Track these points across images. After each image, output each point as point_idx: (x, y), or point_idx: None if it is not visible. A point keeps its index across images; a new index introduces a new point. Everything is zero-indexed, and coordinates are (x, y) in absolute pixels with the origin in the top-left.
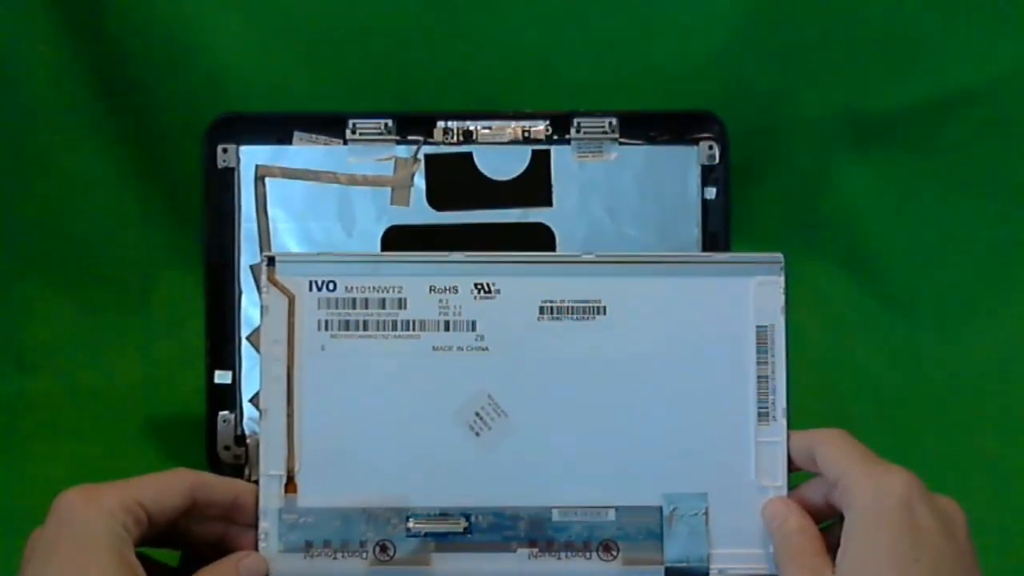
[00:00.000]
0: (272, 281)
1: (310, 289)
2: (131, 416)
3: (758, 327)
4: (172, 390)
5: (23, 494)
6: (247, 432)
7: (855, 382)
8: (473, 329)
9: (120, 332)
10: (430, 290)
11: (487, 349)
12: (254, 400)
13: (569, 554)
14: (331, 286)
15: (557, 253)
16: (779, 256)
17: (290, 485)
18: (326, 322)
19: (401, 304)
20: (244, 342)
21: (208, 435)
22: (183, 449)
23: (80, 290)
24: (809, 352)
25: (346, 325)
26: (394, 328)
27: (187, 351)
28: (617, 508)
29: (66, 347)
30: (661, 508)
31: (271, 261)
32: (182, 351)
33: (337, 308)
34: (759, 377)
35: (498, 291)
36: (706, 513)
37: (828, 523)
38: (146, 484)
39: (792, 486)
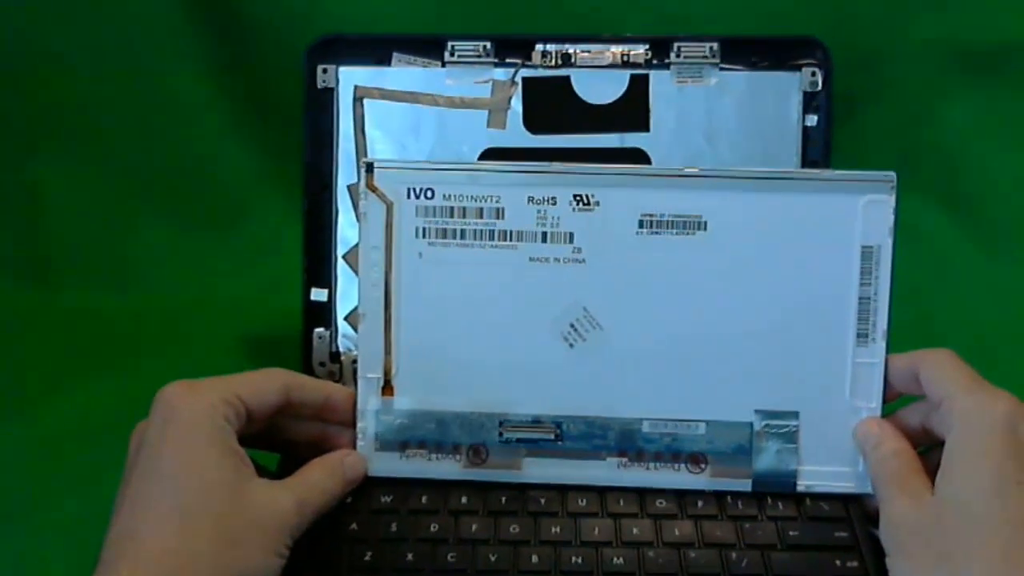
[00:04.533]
0: (371, 187)
1: (408, 197)
2: (230, 332)
3: (863, 247)
4: (270, 307)
5: (126, 407)
6: (342, 349)
7: (953, 316)
8: (571, 241)
9: (220, 250)
10: (528, 200)
11: (584, 261)
12: (349, 318)
13: (657, 464)
14: (429, 194)
15: (658, 167)
16: (891, 175)
17: (387, 388)
18: (424, 230)
19: (499, 214)
20: (340, 261)
21: (304, 351)
22: (280, 364)
23: (181, 210)
24: (906, 285)
25: (443, 233)
26: (491, 238)
27: (285, 269)
28: (708, 422)
29: (168, 265)
30: (752, 424)
31: (370, 167)
32: (280, 269)
33: (435, 216)
34: (861, 298)
35: (597, 203)
36: (797, 431)
37: (924, 448)
38: (243, 381)
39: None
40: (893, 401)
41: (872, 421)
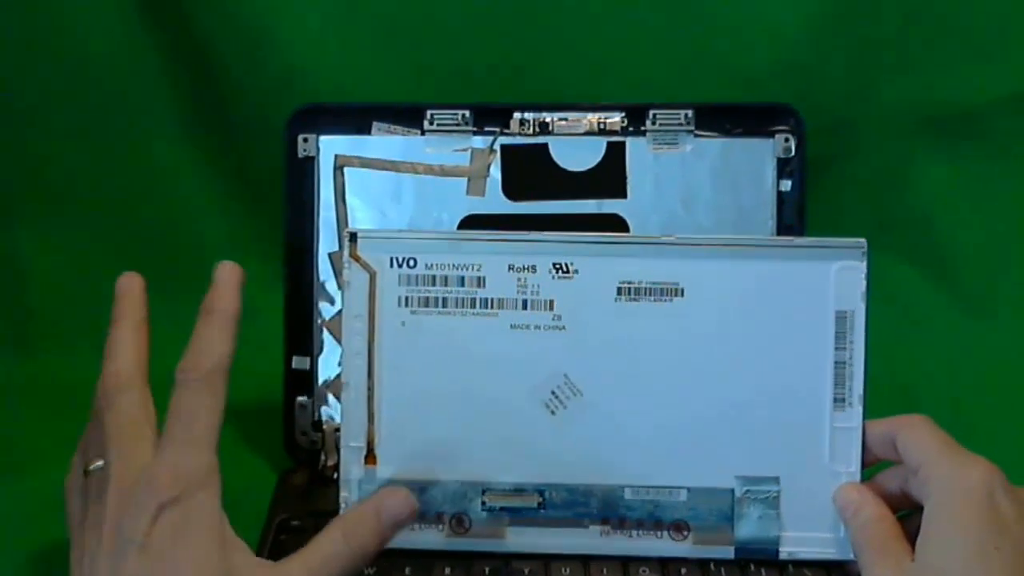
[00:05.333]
0: (354, 257)
1: (391, 265)
2: None
3: (837, 312)
4: (250, 376)
5: None
6: (324, 418)
7: (929, 379)
8: (551, 308)
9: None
10: (509, 268)
11: (564, 328)
12: (331, 386)
13: (640, 532)
14: (412, 263)
15: (635, 235)
16: (862, 241)
17: (370, 457)
18: (406, 298)
19: (480, 282)
20: (322, 328)
21: (286, 420)
22: (261, 434)
23: (161, 277)
24: (882, 347)
25: (426, 302)
26: (473, 305)
27: (266, 337)
28: (689, 489)
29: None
30: (733, 490)
31: (353, 237)
32: (261, 337)
33: (417, 285)
34: (837, 362)
35: (576, 271)
36: (778, 496)
37: (903, 512)
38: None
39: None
40: (872, 466)
41: (852, 487)
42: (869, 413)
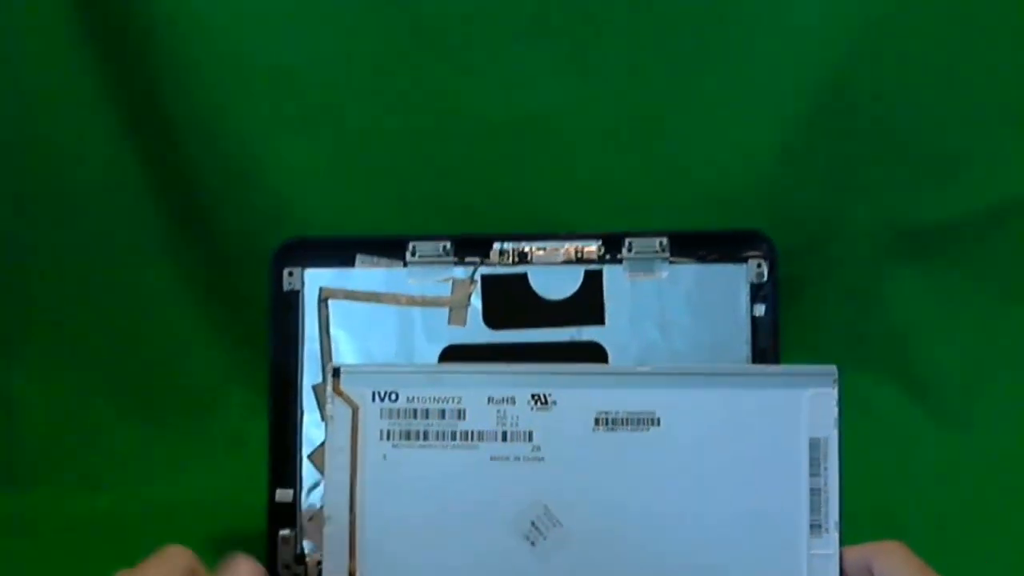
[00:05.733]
0: (337, 391)
1: (373, 400)
2: (195, 532)
3: (811, 439)
4: (234, 507)
5: None
6: (307, 550)
7: (907, 495)
8: (530, 440)
9: (185, 449)
10: (488, 401)
11: (543, 459)
12: (314, 518)
13: None
14: (393, 397)
15: (612, 366)
16: (832, 368)
17: None
18: (388, 432)
19: (460, 415)
20: (305, 461)
21: (269, 553)
22: None
23: (147, 408)
24: (860, 466)
25: (407, 435)
26: (453, 438)
27: (250, 468)
28: None
29: (131, 464)
30: None
31: (336, 372)
32: (245, 468)
33: (399, 418)
34: (812, 489)
35: (554, 402)
36: None
37: None
38: None
39: None
40: None
41: None
42: (851, 531)
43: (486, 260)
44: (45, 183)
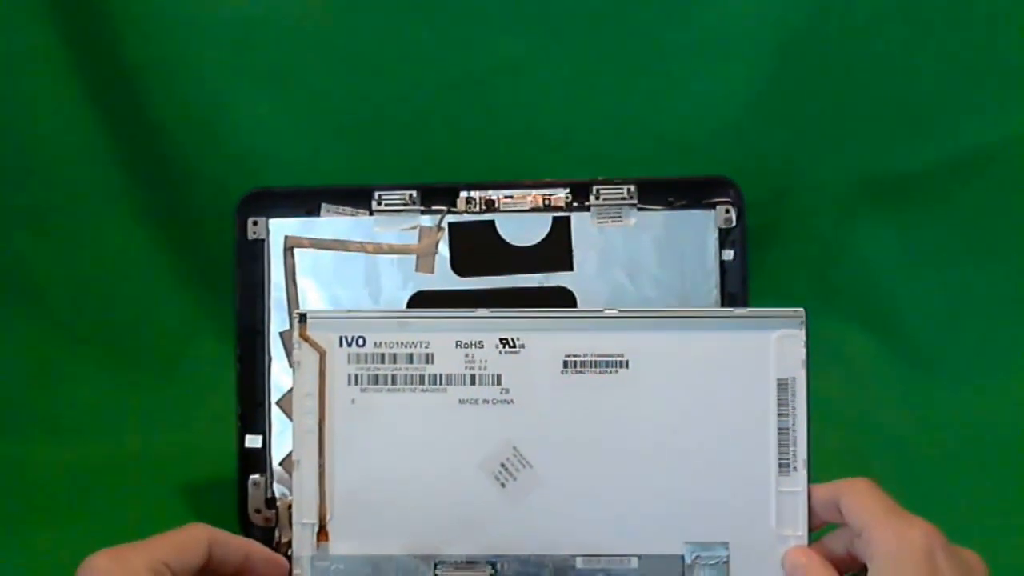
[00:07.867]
0: (304, 337)
1: (340, 345)
2: (165, 481)
3: (779, 380)
4: (205, 454)
5: (61, 562)
6: (277, 495)
7: (876, 439)
8: (498, 383)
9: (154, 399)
10: (456, 345)
11: (512, 402)
12: (284, 463)
13: None
14: (360, 341)
15: (580, 309)
16: (800, 311)
17: (322, 533)
18: (356, 376)
19: (428, 359)
20: (274, 407)
21: (239, 498)
22: (216, 512)
23: (115, 359)
24: (830, 410)
25: (375, 379)
26: (421, 382)
27: (219, 416)
28: (640, 556)
29: (101, 414)
30: (683, 556)
31: (303, 318)
32: (214, 416)
33: (366, 363)
34: (780, 428)
35: (522, 346)
36: (727, 562)
37: (851, 574)
38: (168, 543)
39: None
40: (819, 529)
41: (799, 551)
42: (819, 473)
43: (453, 208)
44: (6, 140)
